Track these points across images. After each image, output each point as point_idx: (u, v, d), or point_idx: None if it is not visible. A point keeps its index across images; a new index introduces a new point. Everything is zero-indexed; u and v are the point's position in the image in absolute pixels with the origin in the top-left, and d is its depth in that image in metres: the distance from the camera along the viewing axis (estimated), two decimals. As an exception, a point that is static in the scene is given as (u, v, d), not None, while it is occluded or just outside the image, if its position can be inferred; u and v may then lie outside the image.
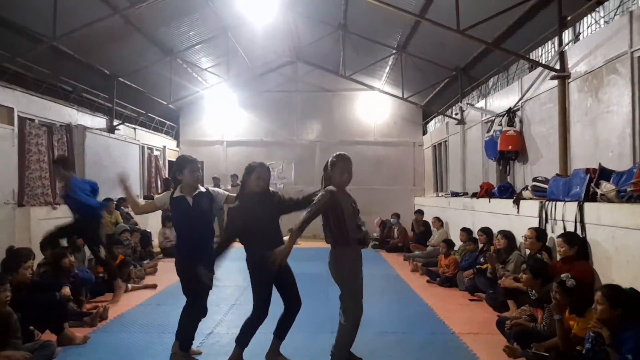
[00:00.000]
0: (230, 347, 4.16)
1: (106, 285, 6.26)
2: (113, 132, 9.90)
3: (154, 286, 6.65)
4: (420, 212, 10.78)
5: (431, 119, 13.68)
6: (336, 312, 3.60)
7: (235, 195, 4.01)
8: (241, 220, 3.59)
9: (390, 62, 11.29)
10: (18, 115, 6.92)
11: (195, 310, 3.78)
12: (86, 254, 7.17)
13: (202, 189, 3.91)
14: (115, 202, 8.69)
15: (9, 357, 3.46)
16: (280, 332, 3.71)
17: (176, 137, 13.95)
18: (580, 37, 6.23)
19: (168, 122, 13.54)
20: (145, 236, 9.25)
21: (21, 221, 6.74)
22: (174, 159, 12.87)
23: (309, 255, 9.82)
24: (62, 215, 7.49)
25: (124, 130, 10.44)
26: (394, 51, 10.36)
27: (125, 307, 5.54)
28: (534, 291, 4.33)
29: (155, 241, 10.27)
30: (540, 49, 7.42)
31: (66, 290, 4.71)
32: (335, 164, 3.52)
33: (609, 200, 4.33)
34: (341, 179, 3.51)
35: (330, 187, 3.45)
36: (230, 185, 12.49)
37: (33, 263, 4.62)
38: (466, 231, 7.50)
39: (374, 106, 13.62)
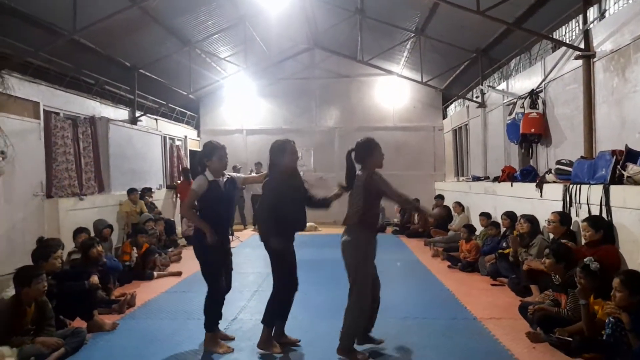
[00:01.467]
0: (253, 332, 4.26)
1: (133, 274, 6.45)
2: (135, 124, 10.06)
3: (178, 273, 6.81)
4: (440, 197, 10.72)
5: (451, 103, 13.47)
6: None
7: (251, 177, 4.41)
8: (276, 198, 3.74)
9: (408, 46, 11.11)
10: (43, 109, 7.09)
11: (214, 290, 3.91)
12: (113, 243, 7.38)
13: (228, 175, 4.08)
14: (139, 192, 8.88)
15: (43, 342, 3.63)
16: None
17: (197, 127, 14.09)
18: (606, 14, 6.01)
19: (189, 112, 13.67)
20: (169, 225, 9.44)
21: (50, 212, 6.95)
22: (195, 149, 13.12)
23: (325, 241, 9.91)
24: (90, 205, 7.72)
25: (145, 121, 10.59)
26: (412, 34, 10.19)
27: (152, 295, 5.69)
28: (557, 276, 4.28)
29: (179, 229, 10.48)
30: (563, 27, 7.19)
31: (94, 278, 4.86)
32: (374, 148, 3.73)
33: (636, 183, 4.22)
34: (380, 161, 3.77)
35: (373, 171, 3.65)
36: (255, 174, 12.58)
37: (62, 253, 4.77)
38: (486, 216, 7.44)
39: (393, 91, 13.48)
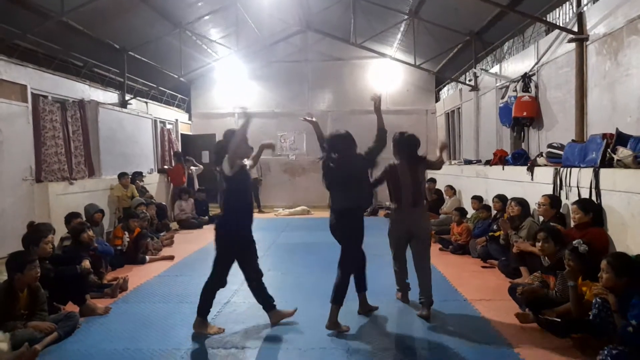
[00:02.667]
0: (246, 315, 4.30)
1: (125, 258, 6.44)
2: (125, 107, 9.94)
3: (171, 257, 6.81)
4: (432, 180, 10.74)
5: (444, 86, 13.44)
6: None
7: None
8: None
9: (402, 29, 11.02)
10: (31, 92, 6.97)
11: (215, 278, 3.96)
12: (104, 228, 7.35)
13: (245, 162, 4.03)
14: (130, 177, 8.82)
15: (35, 326, 3.64)
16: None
17: (188, 110, 13.96)
18: (600, -4, 5.99)
19: (179, 96, 13.53)
20: (161, 209, 9.41)
21: (40, 197, 6.90)
22: (187, 132, 13.02)
23: (319, 224, 9.93)
24: (80, 190, 7.68)
25: (136, 104, 10.47)
26: (406, 17, 10.09)
27: (144, 279, 5.70)
28: (546, 258, 4.34)
29: (171, 213, 10.48)
30: (557, 10, 7.15)
31: (86, 263, 4.86)
32: None
33: (626, 166, 4.25)
34: None
35: None
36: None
37: (53, 237, 4.75)
38: (477, 199, 7.49)
39: (386, 74, 13.40)
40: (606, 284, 3.19)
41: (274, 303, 4.10)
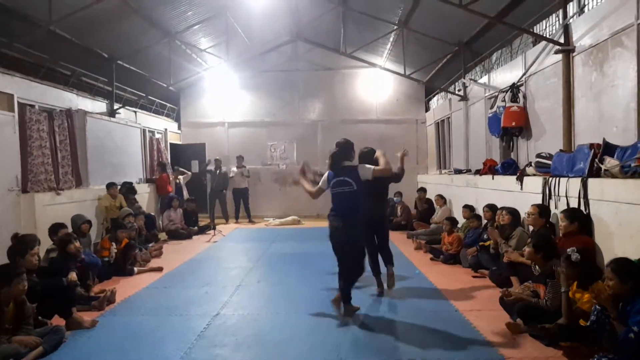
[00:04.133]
0: (236, 328, 4.24)
1: (113, 269, 6.35)
2: (114, 116, 9.85)
3: (159, 269, 6.72)
4: (423, 190, 10.78)
5: (434, 96, 13.54)
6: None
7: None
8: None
9: (391, 39, 11.11)
10: (18, 102, 6.88)
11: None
12: (92, 239, 7.24)
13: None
14: (119, 187, 8.72)
15: (20, 341, 3.55)
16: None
17: (177, 120, 13.88)
18: (586, 9, 6.09)
19: (169, 105, 13.45)
20: (150, 219, 9.32)
21: (26, 207, 6.78)
22: (176, 142, 12.93)
23: (310, 234, 9.90)
24: (67, 200, 7.56)
25: (124, 113, 10.38)
26: (396, 27, 10.19)
27: (132, 290, 5.61)
28: (537, 267, 4.35)
29: (160, 224, 10.36)
30: (544, 22, 7.27)
31: (73, 275, 4.77)
32: None
33: (613, 176, 4.31)
34: None
35: None
36: (235, 167, 12.49)
37: (39, 249, 4.66)
38: (469, 208, 7.51)
39: (376, 84, 13.48)
40: (614, 291, 3.16)
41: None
